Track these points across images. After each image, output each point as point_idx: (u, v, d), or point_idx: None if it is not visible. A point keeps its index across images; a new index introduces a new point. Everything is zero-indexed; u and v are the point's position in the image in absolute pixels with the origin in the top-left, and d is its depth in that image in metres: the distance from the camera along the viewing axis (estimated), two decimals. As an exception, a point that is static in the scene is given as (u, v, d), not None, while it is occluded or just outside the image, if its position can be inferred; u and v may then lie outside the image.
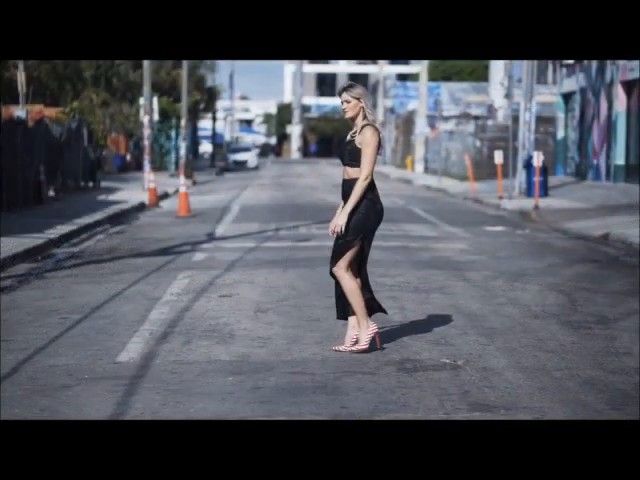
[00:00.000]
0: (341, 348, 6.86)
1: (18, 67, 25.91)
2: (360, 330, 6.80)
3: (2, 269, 11.63)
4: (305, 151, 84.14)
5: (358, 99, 6.65)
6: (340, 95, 6.73)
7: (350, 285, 6.73)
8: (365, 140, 6.59)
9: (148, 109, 27.69)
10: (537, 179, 22.17)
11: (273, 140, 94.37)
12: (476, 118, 44.69)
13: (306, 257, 12.53)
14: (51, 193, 22.64)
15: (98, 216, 18.72)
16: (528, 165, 25.14)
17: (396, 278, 10.56)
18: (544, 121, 35.94)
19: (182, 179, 20.76)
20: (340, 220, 6.63)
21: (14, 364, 6.61)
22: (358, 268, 6.86)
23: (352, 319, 6.87)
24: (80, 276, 11.17)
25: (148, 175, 26.36)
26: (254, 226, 17.26)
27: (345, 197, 6.77)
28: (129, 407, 5.49)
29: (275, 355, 6.77)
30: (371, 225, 6.71)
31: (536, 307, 8.77)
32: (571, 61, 31.83)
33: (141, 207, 22.62)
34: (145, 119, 27.78)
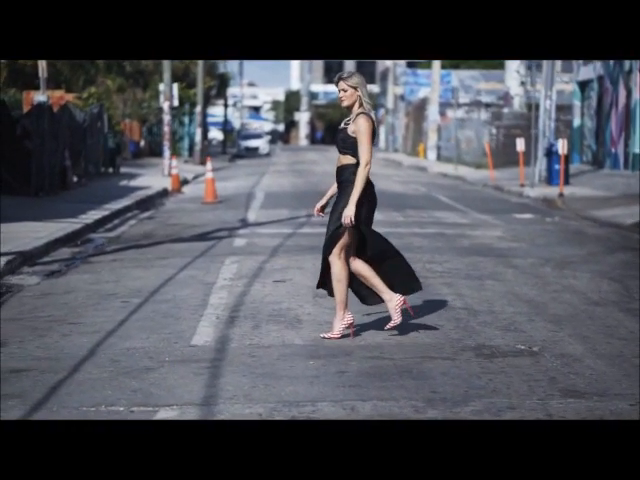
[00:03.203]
0: (390, 325, 6.85)
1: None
2: (335, 319, 6.84)
3: (46, 253, 11.67)
4: (312, 138, 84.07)
5: (355, 88, 6.67)
6: (337, 84, 6.75)
7: (340, 272, 6.75)
8: (359, 128, 6.61)
9: (168, 95, 27.67)
10: (562, 167, 22.16)
11: (281, 127, 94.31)
12: (487, 106, 44.64)
13: (346, 243, 12.54)
14: (74, 179, 22.66)
15: (126, 202, 18.75)
16: (549, 153, 25.12)
17: (444, 265, 10.59)
18: (557, 109, 35.87)
19: (209, 165, 20.75)
20: (349, 211, 6.64)
21: (90, 346, 6.65)
22: (382, 254, 6.84)
23: (385, 294, 6.80)
24: (126, 261, 11.20)
25: (169, 161, 26.37)
26: (284, 212, 17.26)
27: (339, 184, 6.81)
28: (220, 389, 5.53)
29: (348, 339, 6.81)
30: (360, 212, 6.67)
31: (593, 294, 8.80)
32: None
33: (164, 193, 22.64)
34: (165, 105, 27.76)
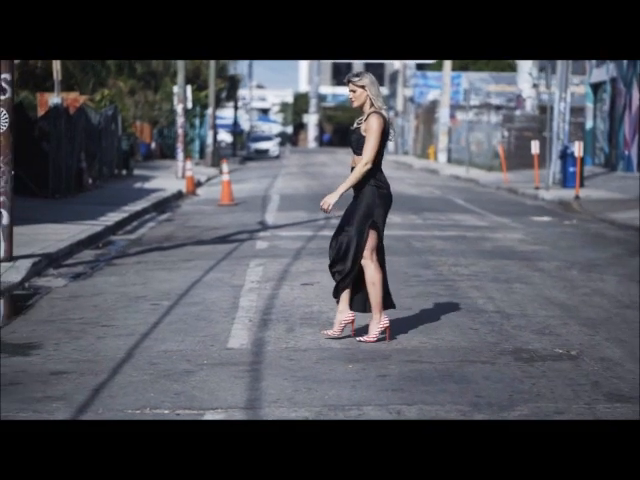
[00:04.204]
0: (329, 332, 6.86)
1: (54, 54, 25.89)
2: (372, 322, 6.83)
3: (70, 255, 11.67)
4: (320, 140, 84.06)
5: (363, 87, 6.65)
6: (347, 85, 6.76)
7: (374, 275, 6.74)
8: (369, 127, 6.60)
9: (182, 97, 27.68)
10: (578, 169, 22.13)
11: (289, 129, 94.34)
12: (497, 108, 44.59)
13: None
14: (89, 181, 22.68)
15: (143, 204, 18.75)
16: (563, 155, 25.08)
17: (470, 268, 10.57)
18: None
19: (225, 167, 20.75)
20: (330, 199, 6.64)
21: (127, 349, 6.64)
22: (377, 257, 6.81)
23: (341, 304, 6.83)
24: (150, 263, 11.19)
25: (183, 163, 26.40)
26: (302, 215, 17.25)
27: (355, 185, 6.74)
28: (263, 393, 5.51)
29: (384, 343, 6.79)
30: (378, 210, 6.68)
31: (623, 297, 8.78)
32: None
33: (179, 195, 22.65)
34: (179, 107, 27.77)
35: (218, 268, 10.60)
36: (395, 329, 7.11)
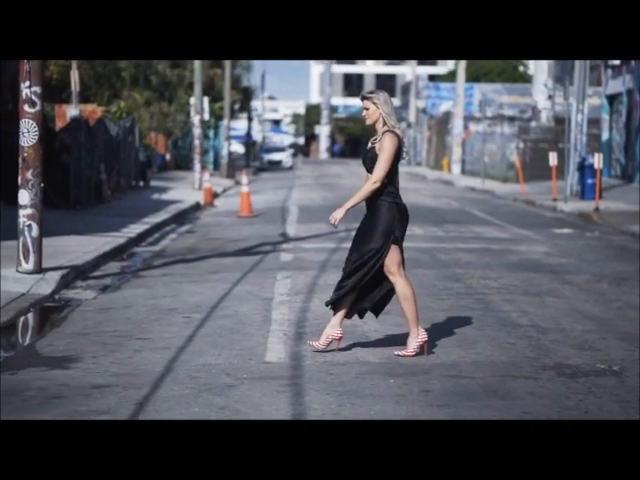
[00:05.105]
0: (315, 344, 6.84)
1: (72, 66, 26.01)
2: (410, 336, 6.80)
3: (97, 267, 11.67)
4: (331, 151, 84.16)
5: (376, 106, 6.63)
6: (362, 102, 6.76)
7: (404, 291, 6.71)
8: (382, 147, 6.59)
9: (199, 109, 27.72)
10: (598, 181, 22.05)
11: (301, 140, 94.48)
12: (511, 119, 44.53)
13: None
14: (108, 192, 22.71)
15: (163, 215, 18.78)
16: (581, 167, 25.01)
17: (499, 281, 10.52)
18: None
19: (244, 179, 20.77)
20: (338, 214, 6.67)
21: (165, 362, 6.61)
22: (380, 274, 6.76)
23: (335, 319, 6.83)
24: (176, 275, 11.17)
25: (200, 174, 26.41)
26: (322, 227, 17.18)
27: (367, 203, 6.74)
28: (308, 407, 5.47)
29: (423, 357, 6.75)
30: (399, 225, 6.67)
31: (657, 311, 8.73)
32: (617, 62, 31.73)
33: (197, 206, 22.66)
34: (196, 119, 27.82)
35: (246, 280, 10.58)
36: (432, 343, 7.07)
